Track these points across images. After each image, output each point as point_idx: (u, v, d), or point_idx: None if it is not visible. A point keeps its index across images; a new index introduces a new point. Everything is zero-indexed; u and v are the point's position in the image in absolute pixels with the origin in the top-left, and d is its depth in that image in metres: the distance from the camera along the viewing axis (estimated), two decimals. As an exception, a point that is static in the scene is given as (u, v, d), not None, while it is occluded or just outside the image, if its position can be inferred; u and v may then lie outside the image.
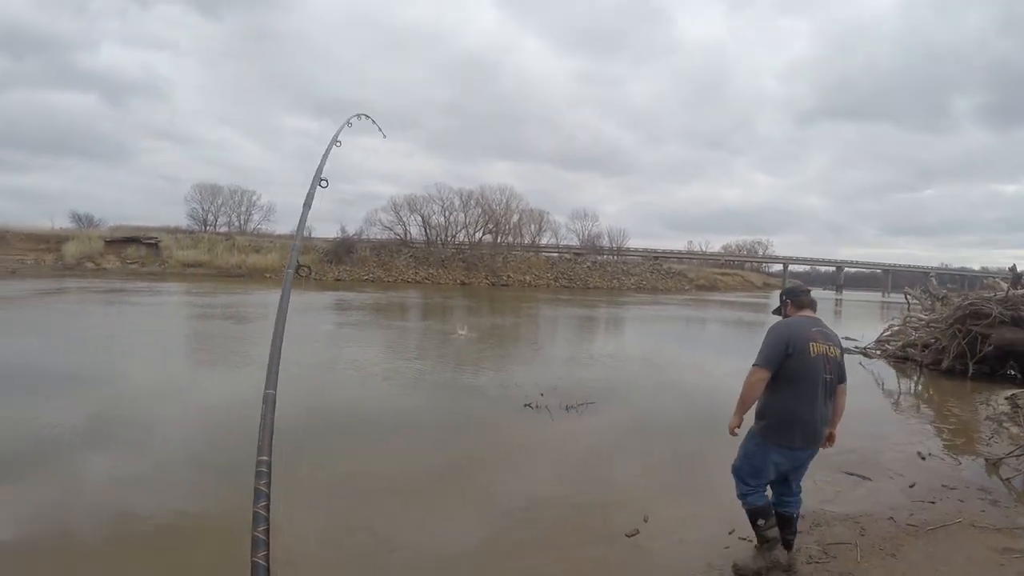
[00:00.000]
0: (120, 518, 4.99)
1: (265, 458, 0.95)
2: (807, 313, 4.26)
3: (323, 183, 2.58)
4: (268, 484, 0.93)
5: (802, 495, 4.43)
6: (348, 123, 2.62)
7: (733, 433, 4.20)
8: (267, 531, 0.84)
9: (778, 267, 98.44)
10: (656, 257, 67.40)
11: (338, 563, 4.44)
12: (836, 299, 63.31)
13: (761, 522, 4.15)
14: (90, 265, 44.58)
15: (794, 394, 3.96)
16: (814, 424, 4.01)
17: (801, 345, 3.94)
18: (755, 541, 4.33)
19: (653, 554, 4.53)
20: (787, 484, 4.29)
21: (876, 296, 76.07)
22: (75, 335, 14.49)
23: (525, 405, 8.84)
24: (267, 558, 0.92)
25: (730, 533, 4.79)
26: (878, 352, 15.97)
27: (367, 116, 2.78)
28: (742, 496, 4.24)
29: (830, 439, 4.31)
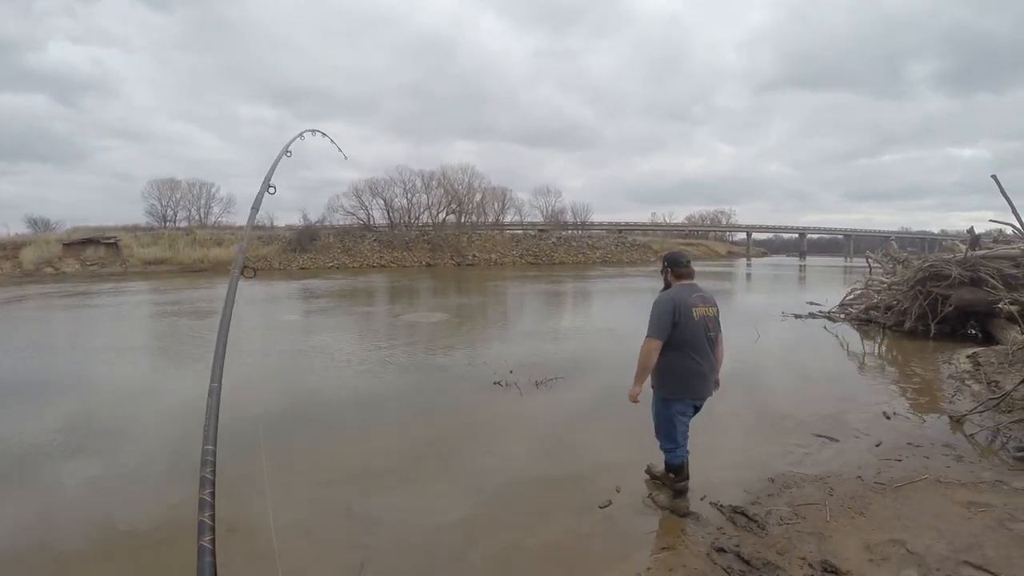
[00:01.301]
0: (94, 522, 4.91)
1: (210, 447, 0.95)
2: (686, 282, 4.77)
3: (271, 190, 2.50)
4: (213, 472, 0.96)
5: (690, 447, 4.88)
6: (300, 136, 2.55)
7: (635, 401, 4.67)
8: (212, 516, 0.85)
9: (742, 235, 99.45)
10: (620, 230, 67.59)
11: (317, 546, 4.41)
12: (800, 265, 64.29)
13: (672, 476, 4.79)
14: (49, 270, 43.32)
15: (686, 353, 4.56)
16: (705, 375, 4.65)
17: (685, 311, 4.53)
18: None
19: (626, 524, 4.58)
20: None
21: (839, 261, 77.42)
22: (38, 343, 14.13)
23: (494, 383, 8.85)
24: (213, 542, 0.92)
25: (702, 499, 4.86)
26: (842, 316, 16.22)
27: (322, 133, 2.70)
28: (664, 452, 4.84)
29: (716, 384, 4.90)
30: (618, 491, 5.08)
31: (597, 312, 19.43)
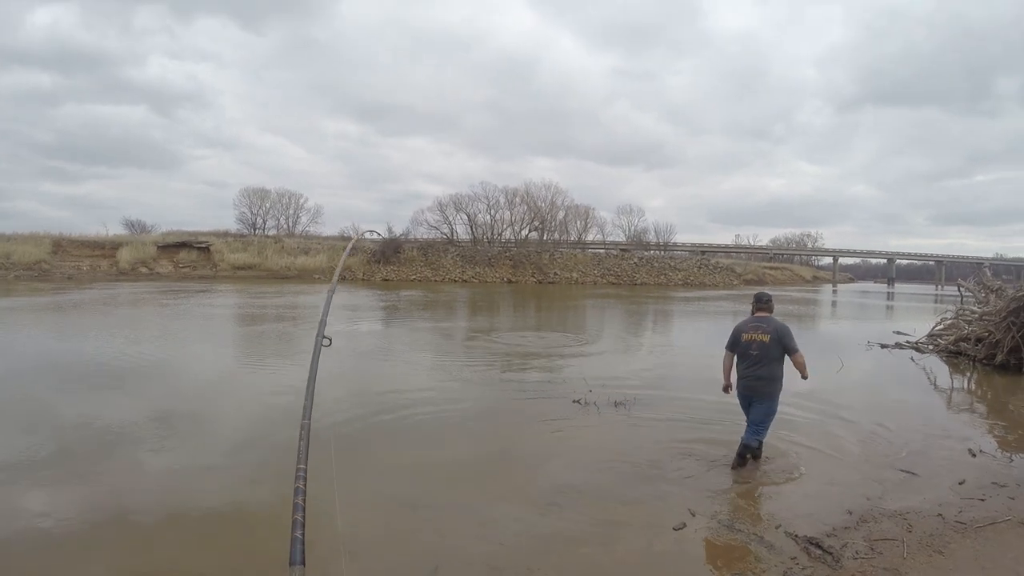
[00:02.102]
0: (170, 501, 5.29)
1: (302, 466, 1.21)
2: (760, 314, 6.46)
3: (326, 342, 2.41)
4: (304, 482, 1.20)
5: (761, 439, 6.28)
6: (361, 234, 2.68)
7: (725, 391, 6.55)
8: (303, 515, 1.07)
9: (828, 260, 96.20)
10: (703, 252, 66.47)
11: (394, 547, 4.63)
12: (888, 292, 61.75)
13: (742, 451, 6.24)
14: (144, 270, 45.71)
15: (739, 363, 6.41)
16: (749, 380, 6.27)
17: (737, 335, 6.44)
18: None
19: (699, 547, 4.58)
20: (748, 419, 6.34)
21: (929, 289, 73.94)
22: (135, 336, 15.02)
23: (573, 401, 8.92)
24: (303, 534, 1.14)
25: (777, 527, 4.84)
26: (930, 347, 15.58)
27: (376, 232, 2.84)
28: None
29: (804, 377, 6.19)
30: (693, 514, 5.07)
31: (677, 334, 19.27)
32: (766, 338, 6.19)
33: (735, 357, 6.46)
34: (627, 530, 4.90)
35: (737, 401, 6.57)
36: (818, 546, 4.40)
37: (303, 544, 1.12)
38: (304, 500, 1.25)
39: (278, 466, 5.98)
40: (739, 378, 6.38)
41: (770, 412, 6.28)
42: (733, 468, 6.18)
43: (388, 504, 5.41)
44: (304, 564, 1.10)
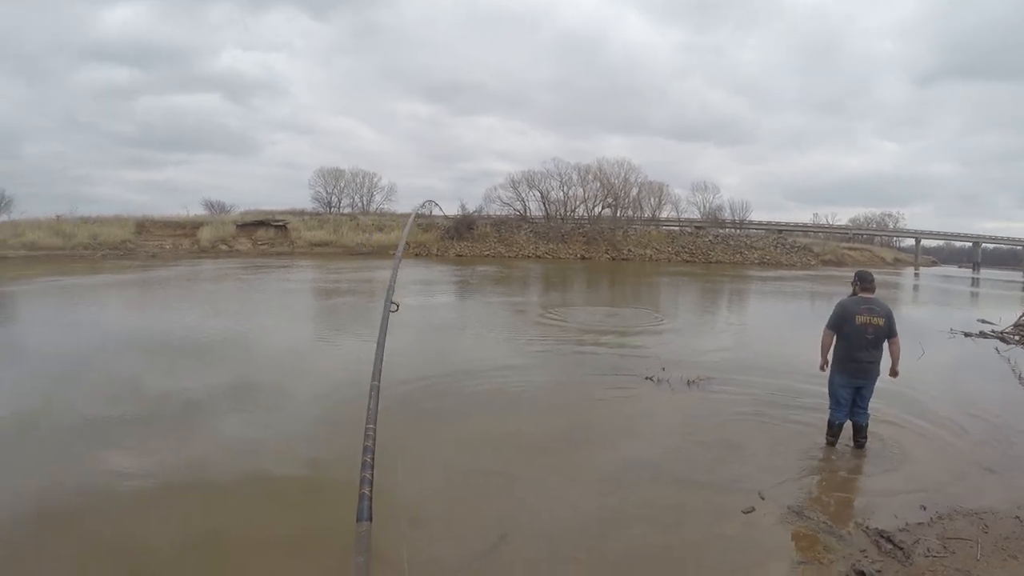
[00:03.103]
0: (249, 466, 5.61)
1: (371, 425, 1.27)
2: (865, 295, 6.22)
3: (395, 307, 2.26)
4: (373, 441, 1.24)
5: (869, 413, 6.34)
6: (423, 205, 2.71)
7: (822, 369, 6.47)
8: (372, 473, 1.11)
9: (910, 242, 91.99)
10: (780, 231, 64.35)
11: (463, 513, 4.83)
12: (972, 278, 58.71)
13: (829, 431, 6.40)
14: (223, 247, 47.04)
15: (847, 346, 6.14)
16: (860, 365, 6.12)
17: (849, 316, 6.11)
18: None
19: (766, 532, 4.56)
20: (856, 403, 6.26)
21: (1017, 276, 69.88)
22: (218, 309, 15.70)
23: (646, 377, 8.93)
24: (371, 490, 1.19)
25: (848, 518, 4.76)
26: (1016, 338, 14.82)
27: (435, 203, 2.88)
28: (829, 410, 6.41)
29: (894, 373, 6.30)
30: (762, 498, 5.04)
31: (753, 314, 18.88)
32: (881, 321, 6.07)
33: (836, 338, 6.25)
34: (694, 511, 4.92)
35: (824, 384, 6.47)
36: (889, 540, 4.32)
37: (371, 501, 1.19)
38: (372, 459, 1.31)
39: (349, 432, 6.22)
40: (848, 361, 6.16)
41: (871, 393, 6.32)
42: (829, 444, 6.35)
43: (458, 472, 5.60)
44: (371, 520, 1.17)
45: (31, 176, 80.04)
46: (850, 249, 60.23)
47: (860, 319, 6.06)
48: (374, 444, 1.27)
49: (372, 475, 1.24)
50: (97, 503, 4.92)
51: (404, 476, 5.41)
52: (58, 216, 46.11)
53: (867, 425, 6.32)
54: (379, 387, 1.27)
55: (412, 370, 8.91)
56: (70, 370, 9.17)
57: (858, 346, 6.08)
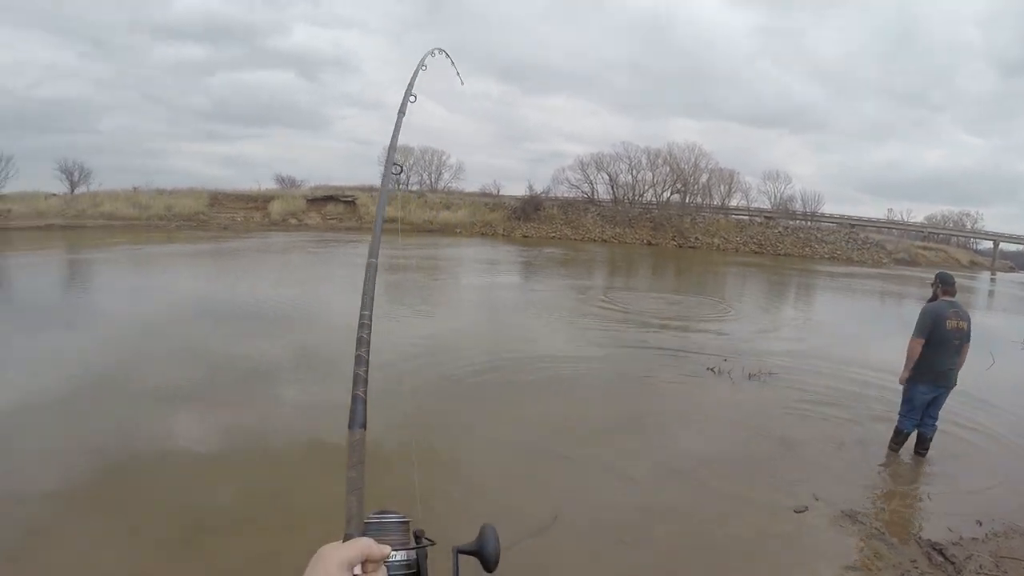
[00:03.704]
0: (307, 432, 5.91)
1: (367, 312, 1.22)
2: (949, 298, 6.03)
3: (396, 169, 1.75)
4: (369, 331, 1.18)
5: (937, 425, 6.15)
6: (423, 66, 2.41)
7: (902, 383, 6.11)
8: (366, 371, 1.07)
9: (988, 244, 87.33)
10: (852, 225, 61.94)
11: (520, 489, 5.02)
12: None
13: (895, 439, 6.23)
14: (293, 221, 48.16)
15: (935, 352, 5.85)
16: (947, 371, 5.91)
17: (940, 321, 5.84)
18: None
19: (817, 534, 4.56)
20: (928, 413, 6.06)
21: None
22: (286, 280, 16.25)
23: (708, 368, 8.92)
24: (365, 392, 1.06)
25: (901, 527, 4.72)
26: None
27: (444, 52, 2.65)
28: (899, 416, 6.20)
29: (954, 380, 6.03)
30: (816, 499, 5.03)
31: (820, 310, 18.42)
32: (965, 325, 5.91)
33: (927, 345, 5.90)
34: (746, 506, 4.95)
35: (892, 387, 6.41)
36: (941, 553, 4.26)
37: (365, 404, 1.03)
38: (368, 352, 1.12)
39: (405, 403, 6.51)
40: (933, 368, 5.89)
41: None
42: (892, 451, 6.22)
43: (517, 451, 5.79)
44: (365, 428, 1.01)
45: (109, 149, 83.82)
46: (924, 248, 57.49)
47: (950, 324, 5.83)
48: (370, 335, 1.16)
49: (367, 373, 1.08)
50: (160, 461, 5.31)
51: (464, 453, 5.64)
52: (135, 188, 48.21)
53: (932, 437, 6.15)
54: (376, 265, 1.16)
55: (475, 351, 9.15)
56: (146, 334, 9.86)
57: (946, 352, 5.86)
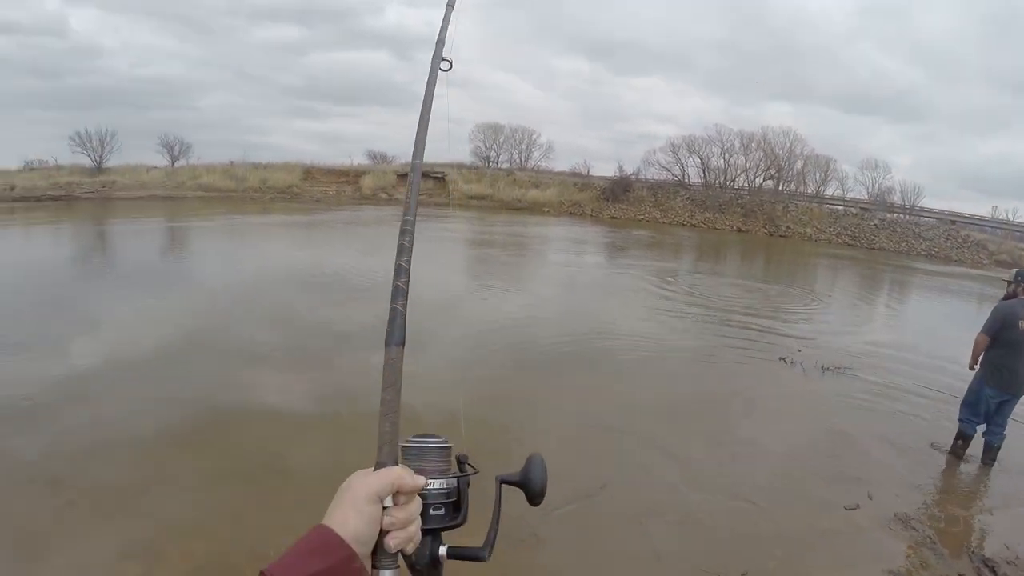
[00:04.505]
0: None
1: (410, 218, 1.09)
2: None
3: (444, 65, 1.40)
4: (411, 238, 1.05)
5: (1005, 434, 5.75)
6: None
7: (971, 368, 5.83)
8: (407, 283, 0.98)
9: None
10: (953, 221, 58.11)
11: (574, 457, 5.18)
12: None
13: (960, 443, 5.84)
14: (383, 196, 48.59)
15: (1006, 353, 5.53)
16: (1018, 374, 5.50)
17: (1012, 320, 5.47)
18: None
19: (866, 534, 4.45)
20: (994, 419, 5.68)
21: None
22: (376, 251, 16.69)
23: (780, 358, 8.74)
24: (404, 306, 0.95)
25: (955, 537, 4.55)
26: None
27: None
28: (960, 421, 5.88)
29: None
30: (870, 498, 4.90)
31: (908, 309, 17.53)
32: None
33: (992, 345, 5.63)
34: (797, 498, 4.90)
35: (967, 389, 5.90)
36: (992, 570, 4.05)
37: (404, 319, 0.95)
38: (409, 262, 1.01)
39: (483, 376, 6.74)
40: (1002, 370, 5.56)
41: None
42: (955, 456, 5.87)
43: (579, 423, 5.92)
44: (403, 345, 0.94)
45: (208, 125, 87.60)
46: (1029, 249, 53.39)
47: (1023, 324, 5.46)
48: (412, 242, 1.03)
49: (407, 284, 0.98)
50: (245, 419, 5.72)
51: (529, 421, 5.79)
52: (231, 162, 50.20)
53: (1000, 446, 5.76)
54: (420, 165, 1.03)
55: (554, 327, 9.34)
56: (242, 299, 10.59)
57: (1018, 355, 5.50)
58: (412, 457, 0.80)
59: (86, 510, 4.12)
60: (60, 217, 25.03)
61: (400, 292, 0.97)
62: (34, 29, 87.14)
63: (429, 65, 1.33)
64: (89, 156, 47.04)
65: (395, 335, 0.94)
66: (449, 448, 0.83)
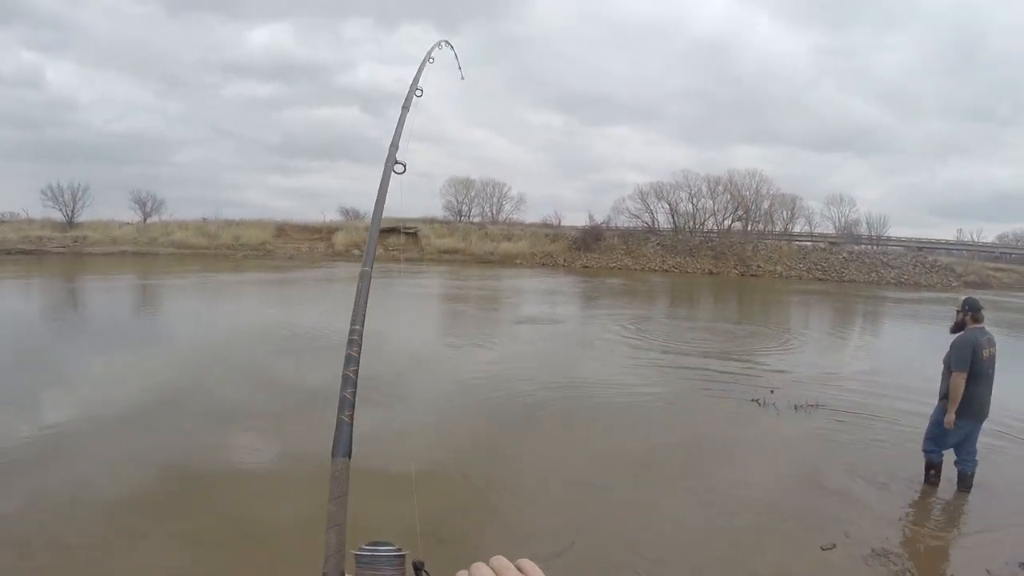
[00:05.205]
0: (365, 458, 5.83)
1: (357, 327, 1.07)
2: (979, 325, 5.55)
3: (398, 168, 1.58)
4: (359, 349, 1.03)
5: (977, 459, 5.69)
6: (430, 59, 2.15)
7: (950, 426, 5.48)
8: (354, 393, 0.95)
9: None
10: (920, 248, 59.08)
11: (541, 512, 5.10)
12: None
13: (932, 472, 5.84)
14: (356, 252, 48.16)
15: (976, 384, 5.42)
16: (985, 402, 5.52)
17: (979, 351, 5.40)
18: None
19: (843, 572, 4.33)
20: (964, 448, 5.64)
21: None
22: (343, 311, 16.66)
23: (752, 400, 8.66)
24: (351, 417, 0.92)
25: (933, 568, 4.46)
26: None
27: (449, 45, 2.47)
28: (925, 452, 5.86)
29: None
30: (847, 536, 4.77)
31: (878, 339, 17.63)
32: (995, 352, 5.57)
33: (968, 378, 5.46)
34: (772, 540, 4.78)
35: (933, 422, 5.75)
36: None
37: (351, 431, 0.92)
38: (357, 372, 1.00)
39: (460, 435, 6.63)
40: (974, 401, 5.47)
41: None
42: (931, 484, 5.83)
43: (553, 478, 5.78)
44: (350, 456, 0.91)
45: (182, 181, 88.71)
46: (995, 270, 54.32)
47: (985, 353, 5.44)
48: (359, 353, 1.02)
49: (354, 395, 0.95)
50: (219, 479, 5.59)
51: (496, 480, 5.68)
52: (204, 218, 50.51)
53: (974, 473, 5.68)
54: (371, 274, 0.99)
55: (529, 381, 9.23)
56: (216, 357, 10.54)
57: (985, 384, 5.50)
58: (364, 565, 0.75)
59: None
60: (31, 272, 25.22)
61: (347, 403, 0.95)
62: (9, 80, 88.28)
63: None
64: (61, 210, 47.42)
65: (341, 447, 0.92)
66: (403, 556, 0.78)
